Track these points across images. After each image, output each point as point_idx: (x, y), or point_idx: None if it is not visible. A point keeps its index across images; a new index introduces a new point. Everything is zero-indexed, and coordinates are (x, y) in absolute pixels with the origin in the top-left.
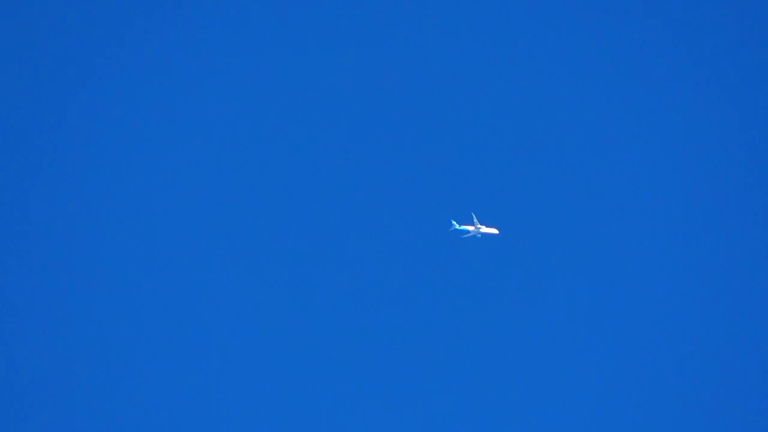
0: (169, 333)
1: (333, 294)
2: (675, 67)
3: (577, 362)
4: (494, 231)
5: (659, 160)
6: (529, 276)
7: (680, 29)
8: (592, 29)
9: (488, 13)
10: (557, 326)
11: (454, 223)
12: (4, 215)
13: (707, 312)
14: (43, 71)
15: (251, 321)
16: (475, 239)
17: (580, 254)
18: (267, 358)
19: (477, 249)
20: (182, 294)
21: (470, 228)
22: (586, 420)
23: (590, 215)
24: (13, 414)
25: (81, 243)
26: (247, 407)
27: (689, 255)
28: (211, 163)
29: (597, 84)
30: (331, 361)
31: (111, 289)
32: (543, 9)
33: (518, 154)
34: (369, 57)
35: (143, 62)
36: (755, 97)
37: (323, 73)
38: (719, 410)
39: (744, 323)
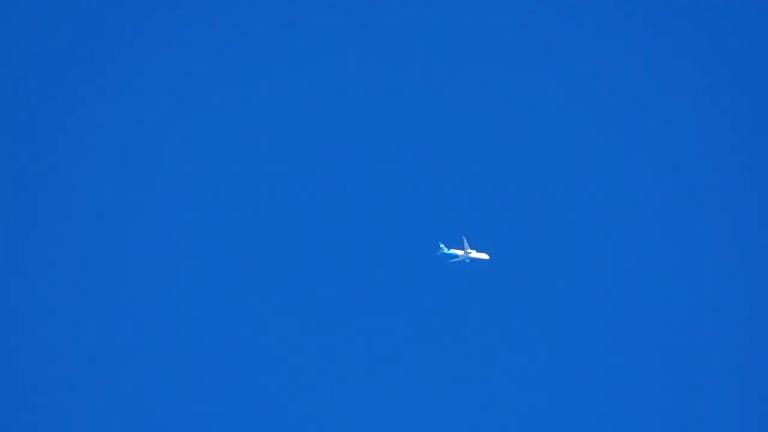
0: (167, 334)
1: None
2: (675, 73)
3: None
4: (484, 256)
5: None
6: (517, 306)
7: (680, 33)
8: (592, 40)
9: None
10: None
11: (442, 246)
12: (5, 215)
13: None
14: (42, 71)
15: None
16: (463, 264)
17: (575, 292)
18: (254, 371)
19: (465, 275)
20: (181, 295)
21: (459, 252)
22: None
23: (589, 244)
24: (12, 414)
25: (82, 243)
26: (242, 410)
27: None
28: (208, 167)
29: (597, 110)
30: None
31: (110, 290)
32: (544, 16)
33: (514, 172)
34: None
35: (143, 62)
36: (756, 103)
37: (312, 86)
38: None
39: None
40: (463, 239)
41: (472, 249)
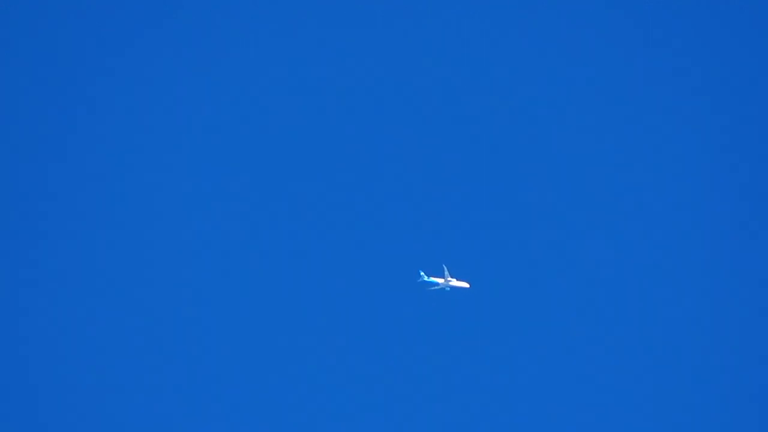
0: (167, 334)
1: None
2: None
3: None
4: (465, 285)
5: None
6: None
7: (680, 34)
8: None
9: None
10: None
11: (422, 274)
12: (6, 216)
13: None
14: (42, 71)
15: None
16: (443, 292)
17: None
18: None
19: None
20: (178, 296)
21: (440, 280)
22: None
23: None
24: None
25: (83, 243)
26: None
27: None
28: (207, 168)
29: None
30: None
31: (110, 290)
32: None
33: (498, 199)
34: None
35: (143, 62)
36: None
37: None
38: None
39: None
40: (443, 267)
41: (452, 277)
